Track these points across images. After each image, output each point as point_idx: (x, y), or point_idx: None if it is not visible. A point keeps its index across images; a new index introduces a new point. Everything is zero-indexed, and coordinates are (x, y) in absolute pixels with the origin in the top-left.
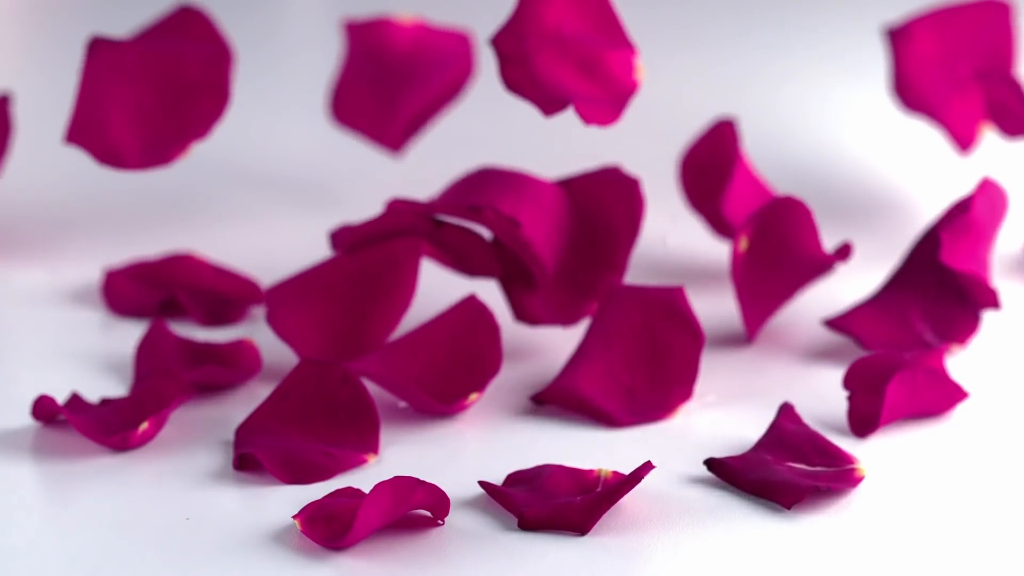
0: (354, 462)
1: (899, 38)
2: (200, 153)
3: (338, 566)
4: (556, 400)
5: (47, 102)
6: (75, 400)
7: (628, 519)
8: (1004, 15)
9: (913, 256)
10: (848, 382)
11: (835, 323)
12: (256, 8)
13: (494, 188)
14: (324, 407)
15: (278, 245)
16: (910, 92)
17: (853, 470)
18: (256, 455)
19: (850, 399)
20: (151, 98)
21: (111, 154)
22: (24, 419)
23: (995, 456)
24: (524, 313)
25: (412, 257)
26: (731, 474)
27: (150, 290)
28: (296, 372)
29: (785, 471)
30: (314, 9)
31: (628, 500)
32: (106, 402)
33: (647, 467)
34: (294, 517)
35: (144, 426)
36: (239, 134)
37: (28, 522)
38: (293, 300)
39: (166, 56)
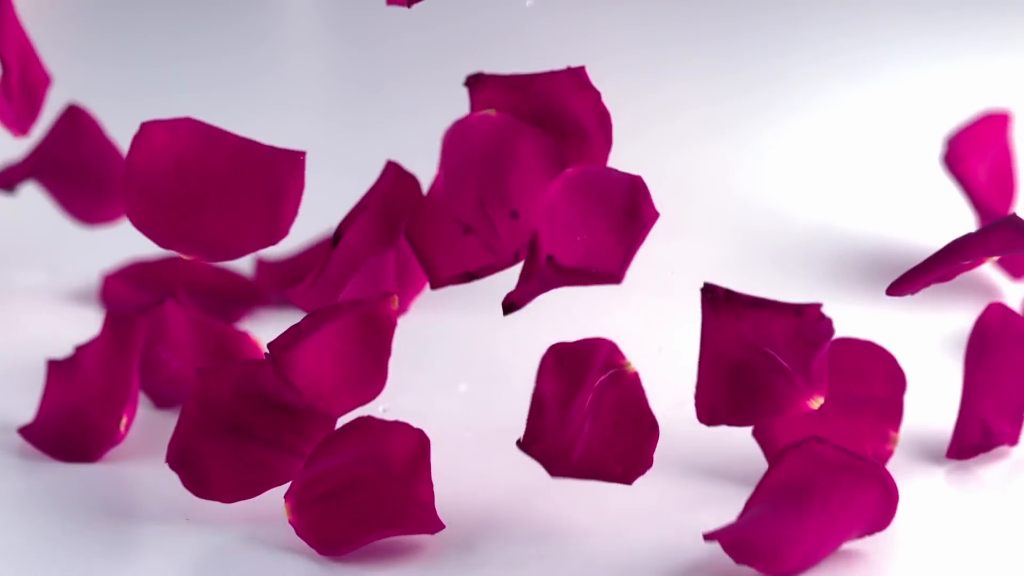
0: (293, 473)
1: (953, 161)
2: None
3: (334, 568)
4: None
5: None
6: (45, 409)
7: (629, 520)
8: (1003, 124)
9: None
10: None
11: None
12: (253, 7)
13: (482, 170)
14: (279, 402)
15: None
16: (988, 212)
17: (808, 396)
18: (180, 476)
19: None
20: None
21: None
22: (19, 421)
23: None
24: None
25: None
26: (720, 311)
27: (149, 290)
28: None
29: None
30: (310, 9)
31: (630, 499)
32: (80, 350)
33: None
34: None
35: (124, 422)
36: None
37: (18, 524)
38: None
39: (20, 38)
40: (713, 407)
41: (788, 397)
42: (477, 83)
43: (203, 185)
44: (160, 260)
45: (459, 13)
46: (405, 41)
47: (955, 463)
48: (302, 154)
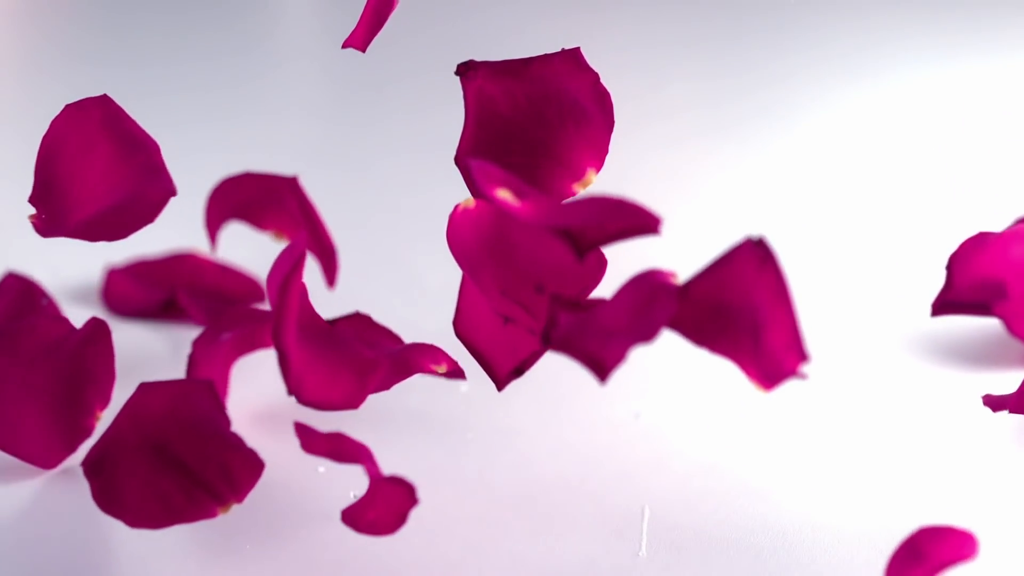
0: (205, 513)
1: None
2: (199, 153)
3: (334, 565)
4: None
5: (43, 102)
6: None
7: (629, 520)
8: None
9: None
10: None
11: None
12: (251, 12)
13: (487, 261)
14: (214, 431)
15: (279, 243)
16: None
17: (751, 367)
18: (91, 485)
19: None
20: None
21: None
22: None
23: None
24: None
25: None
26: None
27: (151, 290)
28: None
29: None
30: (307, 13)
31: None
32: None
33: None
34: None
35: (99, 416)
36: (236, 135)
37: (12, 528)
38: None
39: None
40: (679, 319)
41: (738, 349)
42: (468, 71)
43: (88, 170)
44: (162, 259)
45: (459, 14)
46: (404, 42)
47: None
48: (172, 192)
